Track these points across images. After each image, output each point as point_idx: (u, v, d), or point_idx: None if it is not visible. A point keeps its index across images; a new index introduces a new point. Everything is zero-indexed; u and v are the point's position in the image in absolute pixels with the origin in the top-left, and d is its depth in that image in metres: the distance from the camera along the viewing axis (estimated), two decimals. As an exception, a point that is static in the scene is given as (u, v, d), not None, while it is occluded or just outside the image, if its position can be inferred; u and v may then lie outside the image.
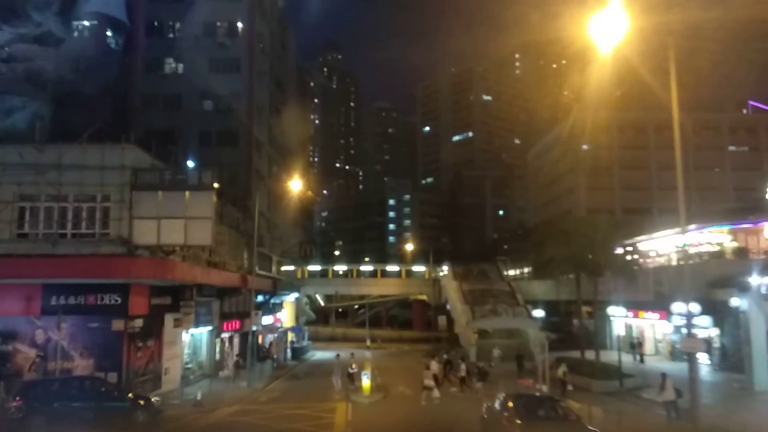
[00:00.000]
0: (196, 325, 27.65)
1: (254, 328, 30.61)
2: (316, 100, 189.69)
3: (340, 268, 68.28)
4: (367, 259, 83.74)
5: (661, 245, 35.55)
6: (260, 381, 29.54)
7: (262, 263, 42.37)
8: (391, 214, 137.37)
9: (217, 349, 31.72)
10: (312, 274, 63.32)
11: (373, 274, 65.95)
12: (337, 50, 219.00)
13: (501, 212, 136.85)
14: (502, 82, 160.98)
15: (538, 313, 39.67)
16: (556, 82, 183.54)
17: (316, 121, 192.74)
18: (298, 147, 61.83)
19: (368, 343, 57.03)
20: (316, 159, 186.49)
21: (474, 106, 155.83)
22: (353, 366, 27.34)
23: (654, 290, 33.40)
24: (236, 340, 35.42)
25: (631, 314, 39.99)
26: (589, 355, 37.23)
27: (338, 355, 30.63)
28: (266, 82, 47.34)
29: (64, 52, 36.94)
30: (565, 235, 29.74)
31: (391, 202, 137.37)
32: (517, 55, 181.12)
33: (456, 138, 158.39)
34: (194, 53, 41.76)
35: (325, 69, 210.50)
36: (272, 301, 44.70)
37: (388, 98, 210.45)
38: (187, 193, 21.32)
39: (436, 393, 23.37)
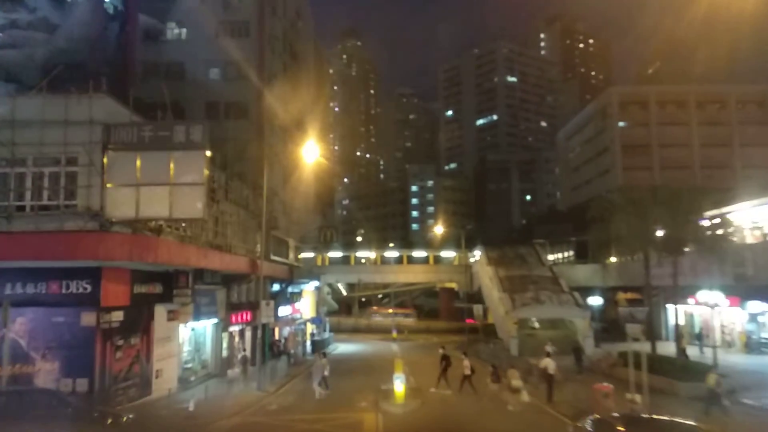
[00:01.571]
0: (197, 318, 23.45)
1: (265, 320, 26.36)
2: (335, 88, 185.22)
3: (364, 254, 63.75)
4: (391, 244, 79.21)
5: (745, 218, 30.21)
6: (272, 382, 25.31)
7: (277, 248, 38.23)
8: (414, 200, 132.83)
9: (224, 345, 27.54)
10: (333, 261, 59.12)
11: (399, 260, 61.46)
12: (356, 37, 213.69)
13: (528, 197, 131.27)
14: (527, 63, 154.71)
15: (594, 300, 34.54)
16: (584, 62, 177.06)
17: (336, 109, 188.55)
18: (316, 126, 57.44)
19: (394, 334, 52.90)
20: (336, 147, 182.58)
21: (498, 89, 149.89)
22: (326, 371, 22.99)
23: (734, 272, 28.28)
24: (248, 334, 31.21)
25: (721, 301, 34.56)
26: (635, 346, 32.44)
27: (324, 354, 26.47)
28: (279, 49, 42.91)
29: (60, 32, 33.14)
30: (637, 206, 24.76)
31: (414, 188, 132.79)
32: (542, 35, 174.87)
33: (480, 122, 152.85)
34: (198, 16, 37.51)
35: (344, 56, 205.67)
36: (289, 290, 40.57)
37: (408, 84, 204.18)
38: (172, 153, 16.96)
39: (525, 396, 19.09)
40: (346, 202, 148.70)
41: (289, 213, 45.94)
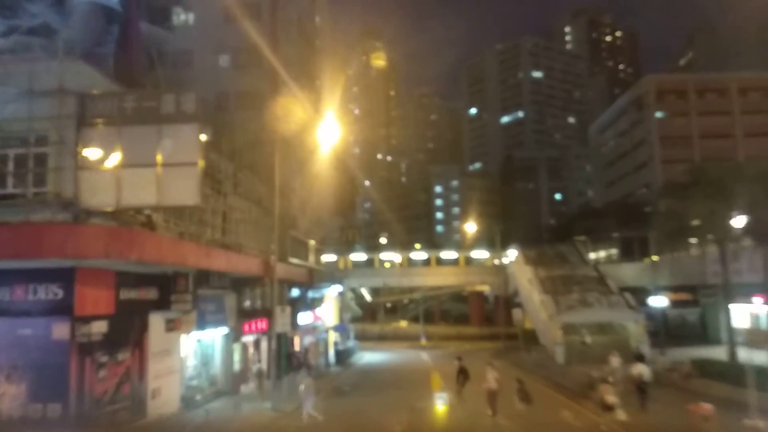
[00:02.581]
0: (202, 327, 20.37)
1: (281, 328, 23.21)
2: (354, 89, 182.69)
3: (389, 256, 60.18)
4: (418, 245, 75.57)
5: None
6: (290, 400, 22.08)
7: (296, 249, 35.12)
8: (438, 202, 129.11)
9: (236, 358, 24.41)
10: (356, 264, 55.80)
11: (427, 262, 57.87)
12: (376, 37, 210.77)
13: (558, 196, 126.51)
14: (553, 58, 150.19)
15: (659, 300, 30.32)
16: (611, 55, 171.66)
17: (356, 111, 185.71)
18: (335, 119, 54.37)
19: (423, 341, 49.50)
20: (357, 150, 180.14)
21: (523, 84, 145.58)
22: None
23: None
24: (264, 345, 28.04)
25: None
26: (699, 352, 28.60)
27: (308, 369, 22.93)
28: (293, 36, 39.89)
29: (60, 37, 30.66)
30: (716, 186, 20.89)
31: (438, 189, 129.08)
32: (567, 29, 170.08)
33: (504, 119, 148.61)
34: (206, -1, 34.72)
35: (364, 57, 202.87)
36: (310, 295, 37.45)
37: (430, 84, 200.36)
38: (160, 127, 13.87)
39: (621, 414, 15.89)
40: (367, 205, 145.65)
41: (309, 213, 42.84)
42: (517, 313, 35.77)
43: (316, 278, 36.50)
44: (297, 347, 33.11)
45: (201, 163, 13.89)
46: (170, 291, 17.72)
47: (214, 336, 22.99)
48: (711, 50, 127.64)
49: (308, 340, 35.11)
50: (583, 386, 20.47)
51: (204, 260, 17.73)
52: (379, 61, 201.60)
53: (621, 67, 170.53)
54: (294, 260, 34.08)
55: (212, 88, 34.60)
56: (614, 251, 51.43)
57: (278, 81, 35.49)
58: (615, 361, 20.99)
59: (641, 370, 17.81)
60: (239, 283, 24.29)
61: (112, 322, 15.09)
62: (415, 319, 62.34)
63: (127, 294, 15.75)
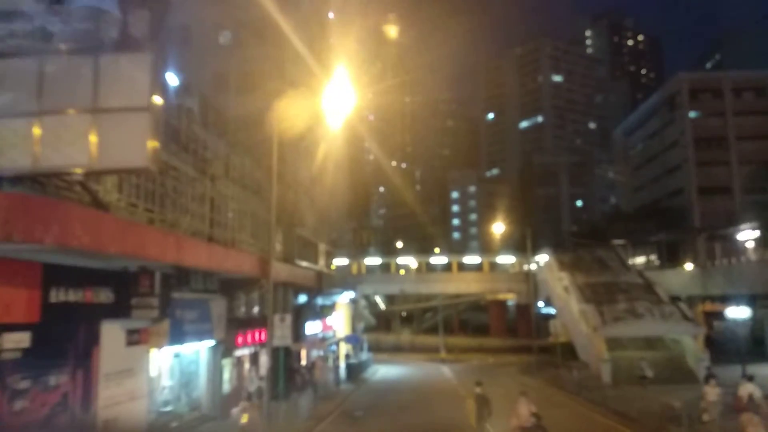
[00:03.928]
0: (179, 340, 16.23)
1: (279, 342, 19.08)
2: (369, 96, 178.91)
3: (405, 260, 55.71)
4: (437, 249, 71.04)
5: None
6: (290, 429, 17.88)
7: (303, 251, 31.10)
8: (455, 208, 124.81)
9: (226, 377, 20.23)
10: (370, 269, 51.57)
11: (447, 267, 53.41)
12: (390, 42, 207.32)
13: (579, 202, 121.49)
14: (573, 62, 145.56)
15: (739, 311, 25.33)
16: (633, 59, 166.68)
17: (370, 117, 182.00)
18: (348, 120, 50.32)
19: (442, 354, 45.19)
20: (371, 157, 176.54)
21: (543, 89, 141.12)
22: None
23: None
24: (264, 359, 23.78)
25: None
26: (764, 371, 23.93)
27: (315, 388, 18.69)
28: (302, 17, 36.01)
29: (57, 40, 26.99)
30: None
31: (455, 195, 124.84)
32: (587, 33, 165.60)
33: (523, 124, 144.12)
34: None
35: (379, 63, 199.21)
36: (319, 302, 33.33)
37: (446, 89, 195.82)
38: (97, 57, 9.80)
39: None
40: (382, 211, 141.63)
41: (318, 211, 38.74)
42: (554, 324, 31.27)
43: (326, 283, 32.34)
44: (304, 361, 28.93)
45: (156, 106, 9.72)
46: (129, 292, 13.57)
47: (199, 350, 18.85)
48: (739, 52, 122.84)
49: (316, 353, 30.91)
50: (663, 419, 15.96)
51: (173, 253, 13.56)
52: (393, 65, 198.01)
53: (643, 72, 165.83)
54: (303, 263, 30.02)
55: (211, 68, 30.97)
56: (653, 257, 46.83)
57: (284, 60, 31.69)
58: (713, 386, 15.76)
59: (751, 390, 13.38)
60: (231, 286, 20.18)
61: (38, 333, 10.96)
62: (431, 330, 58.03)
63: (62, 296, 11.62)
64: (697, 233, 38.74)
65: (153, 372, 15.84)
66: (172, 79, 18.32)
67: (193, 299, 17.34)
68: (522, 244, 52.84)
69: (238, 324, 20.75)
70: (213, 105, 20.89)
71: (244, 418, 14.80)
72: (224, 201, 20.09)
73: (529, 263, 47.66)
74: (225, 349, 19.86)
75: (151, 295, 13.71)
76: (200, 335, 17.77)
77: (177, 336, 16.04)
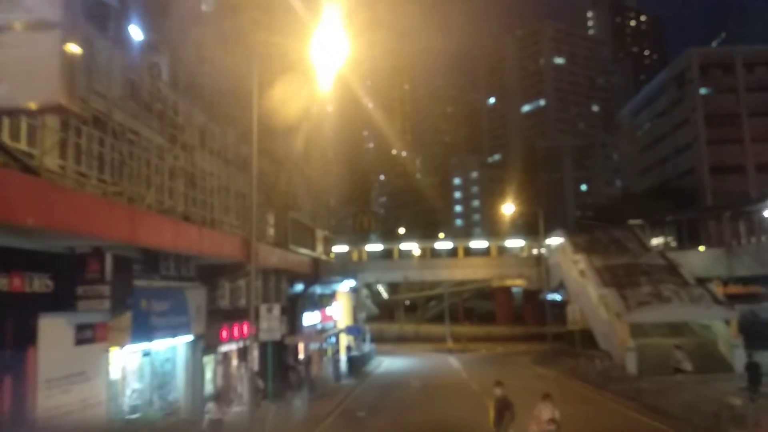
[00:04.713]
0: (145, 336, 13.77)
1: (265, 335, 16.65)
2: (368, 83, 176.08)
3: (408, 246, 52.99)
4: (442, 235, 68.37)
5: None
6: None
7: (299, 236, 28.65)
8: (457, 194, 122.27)
9: (209, 376, 17.80)
10: (372, 256, 49.08)
11: (453, 253, 50.90)
12: (385, 27, 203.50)
13: (584, 186, 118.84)
14: (575, 44, 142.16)
15: None
16: (636, 41, 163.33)
17: (370, 105, 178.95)
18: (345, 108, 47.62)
19: (449, 344, 42.86)
20: (371, 145, 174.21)
21: (544, 71, 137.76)
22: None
23: None
24: (255, 354, 21.27)
25: None
26: None
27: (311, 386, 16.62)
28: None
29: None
30: None
31: (457, 181, 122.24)
32: (589, 13, 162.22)
33: (525, 108, 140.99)
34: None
35: (377, 50, 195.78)
36: (317, 291, 30.88)
37: (445, 75, 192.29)
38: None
39: None
40: (383, 199, 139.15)
41: (316, 195, 36.21)
42: (572, 311, 28.78)
43: (324, 271, 29.90)
44: (301, 356, 26.50)
45: (72, 20, 7.15)
46: (75, 280, 11.05)
47: (176, 346, 16.38)
48: (745, 29, 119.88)
49: (314, 346, 28.51)
50: (721, 420, 13.46)
51: (124, 229, 10.99)
52: (390, 51, 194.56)
53: (646, 53, 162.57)
54: (301, 250, 27.56)
55: (194, 37, 28.33)
56: (670, 238, 44.31)
57: (275, 28, 28.96)
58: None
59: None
60: (212, 273, 17.73)
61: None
62: (436, 319, 55.71)
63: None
64: (722, 211, 36.15)
65: (115, 374, 13.36)
66: (135, 32, 15.74)
67: (165, 288, 14.90)
68: (529, 228, 50.43)
69: (222, 316, 18.31)
70: (187, 66, 18.17)
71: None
72: (203, 177, 17.59)
73: (540, 247, 45.10)
74: (207, 344, 17.44)
75: (101, 282, 11.21)
76: (174, 330, 15.30)
77: (143, 331, 13.58)
